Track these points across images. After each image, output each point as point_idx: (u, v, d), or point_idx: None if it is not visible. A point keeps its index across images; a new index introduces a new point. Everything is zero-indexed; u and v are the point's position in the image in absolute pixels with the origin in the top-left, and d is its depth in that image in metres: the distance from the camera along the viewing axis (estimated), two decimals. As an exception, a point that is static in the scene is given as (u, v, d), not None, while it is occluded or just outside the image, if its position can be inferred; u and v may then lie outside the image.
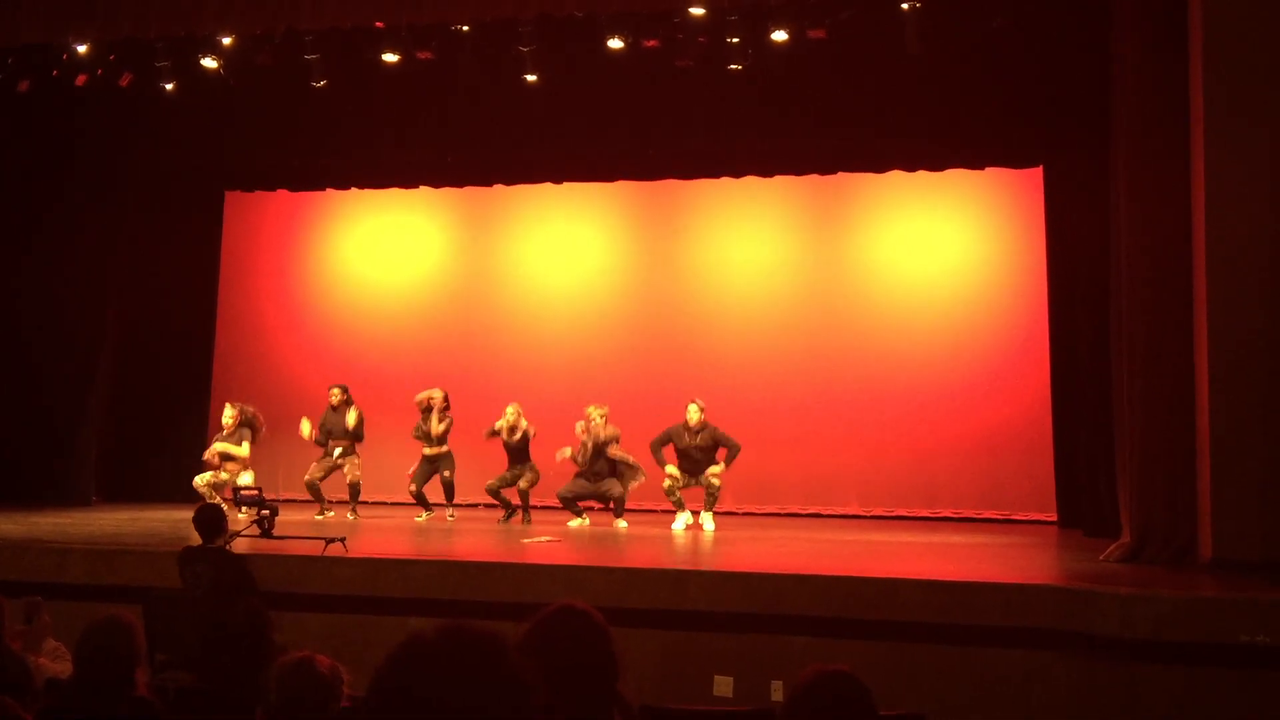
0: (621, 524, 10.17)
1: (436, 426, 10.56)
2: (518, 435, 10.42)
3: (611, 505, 10.27)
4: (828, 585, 6.66)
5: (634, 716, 2.62)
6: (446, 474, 10.59)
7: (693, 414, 10.04)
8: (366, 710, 1.43)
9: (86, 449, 11.95)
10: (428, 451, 10.63)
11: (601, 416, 10.26)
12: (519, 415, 10.46)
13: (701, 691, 6.54)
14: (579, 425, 10.31)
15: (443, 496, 10.69)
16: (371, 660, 1.46)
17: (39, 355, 11.80)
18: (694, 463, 10.10)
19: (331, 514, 10.61)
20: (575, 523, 10.27)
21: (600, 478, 10.26)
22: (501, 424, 10.42)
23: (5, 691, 3.80)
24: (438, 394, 10.65)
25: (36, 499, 11.15)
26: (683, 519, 10.21)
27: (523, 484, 10.42)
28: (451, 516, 10.70)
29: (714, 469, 10.07)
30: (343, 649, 4.16)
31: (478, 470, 10.78)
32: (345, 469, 10.77)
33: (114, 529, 9.26)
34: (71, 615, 5.02)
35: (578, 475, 10.33)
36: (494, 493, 10.52)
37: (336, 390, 10.86)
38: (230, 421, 10.82)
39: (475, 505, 11.42)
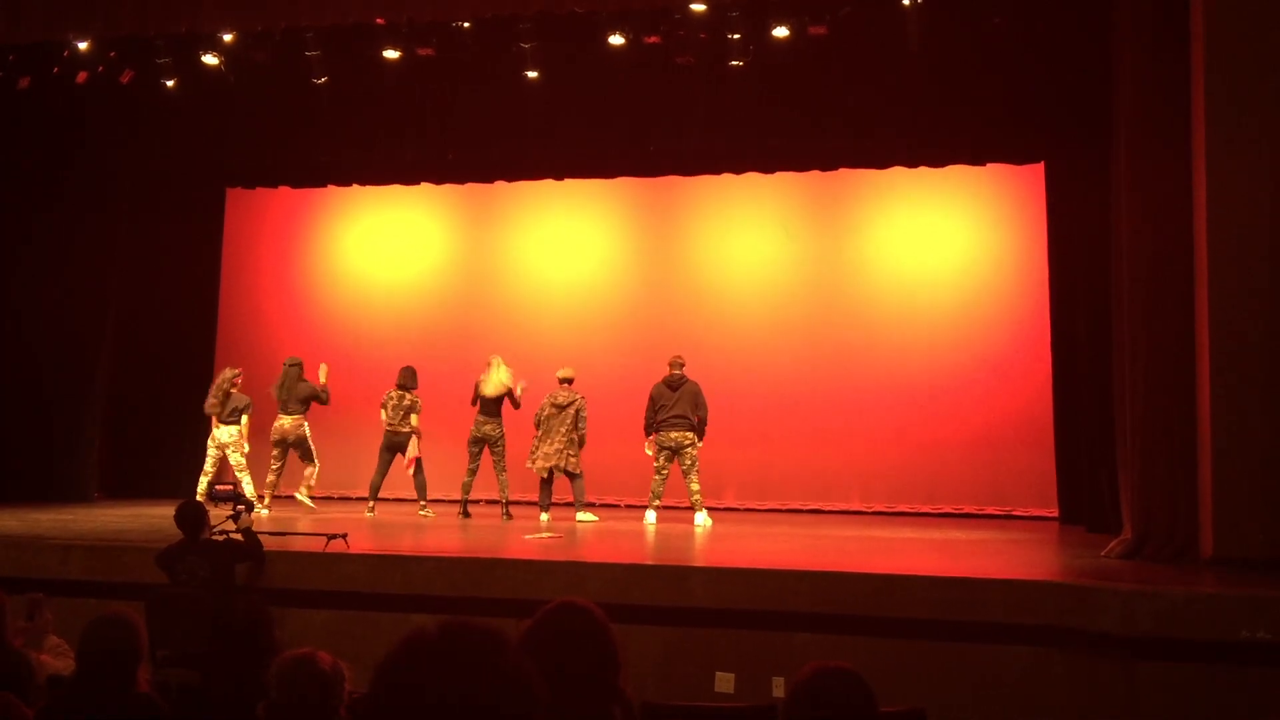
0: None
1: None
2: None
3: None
4: (829, 581, 6.66)
5: (635, 713, 2.62)
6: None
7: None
8: (368, 707, 1.43)
9: (88, 445, 11.95)
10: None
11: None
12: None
13: (703, 688, 6.54)
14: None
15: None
16: (373, 657, 1.47)
17: (40, 352, 11.80)
18: None
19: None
20: (591, 517, 10.29)
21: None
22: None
23: (7, 688, 3.80)
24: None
25: (38, 496, 11.16)
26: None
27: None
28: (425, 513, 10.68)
29: None
30: (344, 645, 4.18)
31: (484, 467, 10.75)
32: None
33: (116, 525, 9.27)
34: (73, 612, 5.04)
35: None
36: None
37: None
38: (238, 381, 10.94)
39: (477, 501, 11.42)
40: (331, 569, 7.35)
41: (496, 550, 8.21)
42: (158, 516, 10.05)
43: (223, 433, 10.78)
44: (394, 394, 10.62)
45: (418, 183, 12.80)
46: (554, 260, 12.88)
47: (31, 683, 4.18)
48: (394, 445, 10.60)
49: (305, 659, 3.32)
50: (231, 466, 10.80)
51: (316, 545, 7.59)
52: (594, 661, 2.53)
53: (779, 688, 6.18)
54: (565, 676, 2.35)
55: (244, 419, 10.85)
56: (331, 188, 13.07)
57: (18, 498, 10.89)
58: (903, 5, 9.32)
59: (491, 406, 10.47)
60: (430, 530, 9.70)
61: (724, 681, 6.57)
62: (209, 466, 10.79)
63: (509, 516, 10.38)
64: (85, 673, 3.70)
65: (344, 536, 7.61)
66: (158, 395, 12.67)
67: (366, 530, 9.33)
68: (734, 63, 9.97)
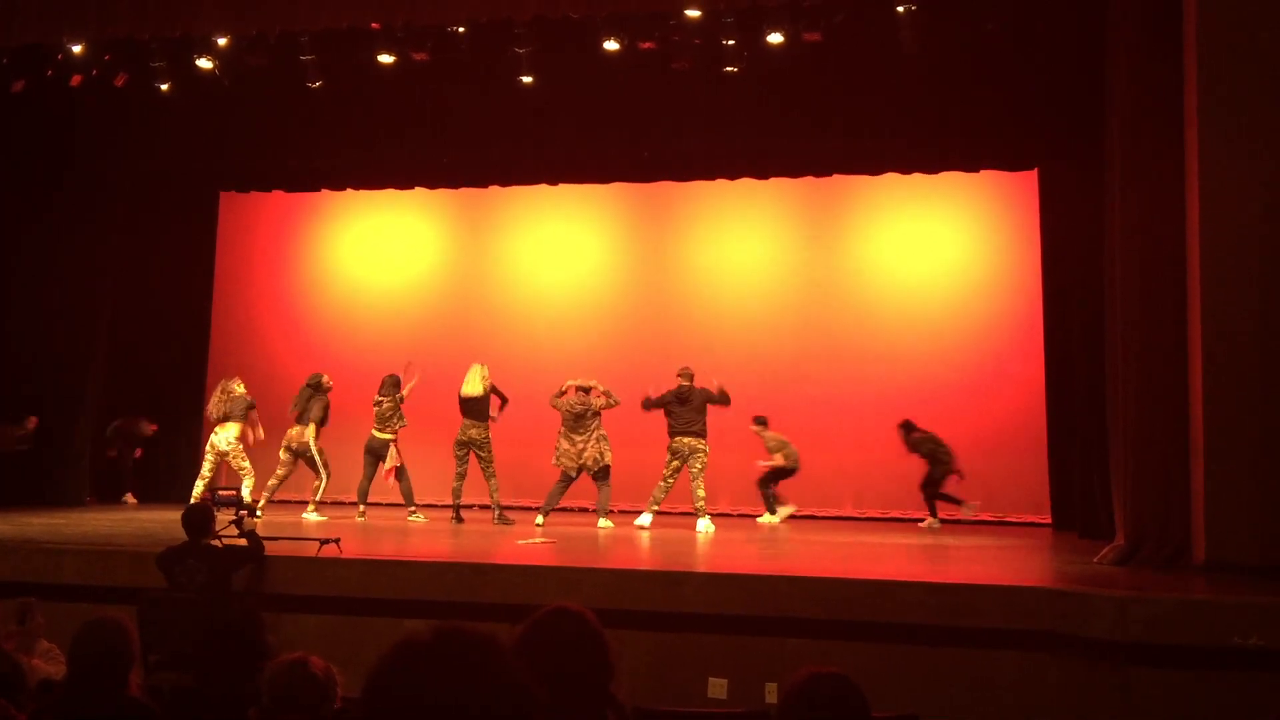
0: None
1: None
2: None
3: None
4: (822, 587, 6.66)
5: (628, 718, 2.62)
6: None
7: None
8: (360, 712, 1.43)
9: (80, 450, 11.92)
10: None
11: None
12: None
13: (696, 693, 6.53)
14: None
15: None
16: (365, 662, 1.46)
17: (33, 355, 11.77)
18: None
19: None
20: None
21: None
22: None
23: (-2, 693, 3.79)
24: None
25: (30, 499, 11.12)
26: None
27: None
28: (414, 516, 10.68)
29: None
30: (336, 650, 4.16)
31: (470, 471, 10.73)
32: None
33: (108, 530, 9.24)
34: (65, 616, 5.01)
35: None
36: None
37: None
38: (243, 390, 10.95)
39: (470, 506, 11.41)
40: (324, 574, 7.33)
41: (489, 555, 8.19)
42: (150, 521, 10.04)
43: (219, 439, 10.78)
44: (379, 399, 10.76)
45: (412, 187, 12.80)
46: (549, 265, 12.88)
47: (22, 687, 4.16)
48: (371, 449, 10.71)
49: (297, 664, 3.31)
50: (234, 470, 10.84)
51: (309, 550, 7.57)
52: (587, 666, 2.52)
53: (772, 693, 6.18)
54: (558, 681, 2.34)
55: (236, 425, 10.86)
56: (325, 191, 13.07)
57: (10, 501, 10.85)
58: (897, 12, 9.33)
59: (471, 409, 10.47)
60: (423, 535, 9.68)
61: (717, 687, 6.56)
62: (206, 471, 10.79)
63: (503, 520, 10.34)
64: (77, 677, 3.69)
65: (337, 541, 7.60)
66: (151, 399, 12.63)
67: (359, 535, 9.32)
68: (729, 69, 9.98)
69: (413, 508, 10.60)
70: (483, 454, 10.42)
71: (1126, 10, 7.98)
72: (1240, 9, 7.42)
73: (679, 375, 10.26)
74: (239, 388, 10.92)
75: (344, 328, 13.09)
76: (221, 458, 10.81)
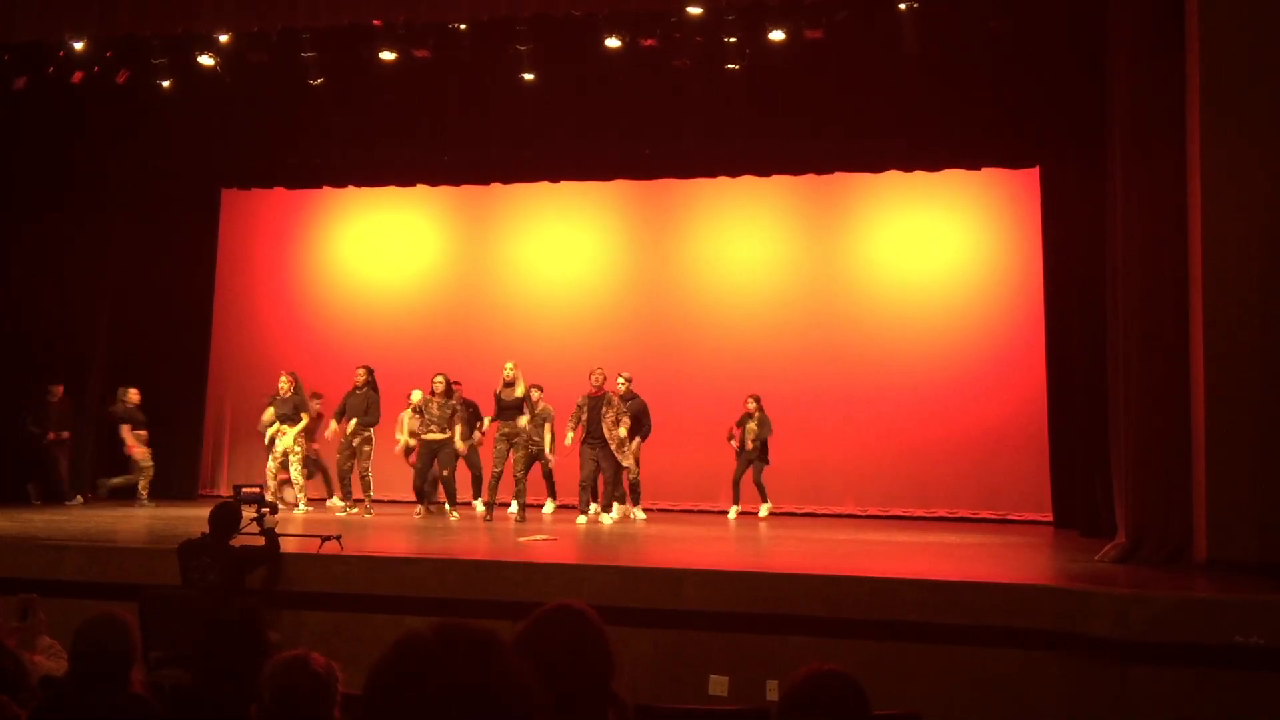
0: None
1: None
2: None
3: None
4: (823, 584, 6.66)
5: (629, 715, 2.62)
6: (446, 472, 10.53)
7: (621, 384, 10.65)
8: (361, 709, 1.43)
9: (82, 446, 11.91)
10: (427, 437, 10.59)
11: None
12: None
13: (697, 691, 6.54)
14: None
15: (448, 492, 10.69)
16: (367, 658, 1.46)
17: (35, 351, 11.77)
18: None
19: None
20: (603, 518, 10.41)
21: None
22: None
23: (0, 689, 3.79)
24: (439, 381, 10.64)
25: (32, 496, 11.12)
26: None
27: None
28: (454, 516, 10.59)
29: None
30: (338, 647, 4.17)
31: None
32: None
33: (109, 526, 9.25)
34: (67, 612, 5.02)
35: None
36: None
37: (362, 371, 10.87)
38: (286, 387, 10.87)
39: (470, 503, 11.42)
40: (326, 570, 7.33)
41: (491, 552, 8.20)
42: (150, 517, 10.05)
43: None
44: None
45: (413, 184, 12.79)
46: (550, 262, 12.88)
47: (24, 684, 4.16)
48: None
49: (298, 660, 3.31)
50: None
51: (311, 546, 7.58)
52: (588, 664, 2.52)
53: (773, 691, 6.18)
54: (560, 679, 2.34)
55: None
56: (327, 189, 13.06)
57: (10, 498, 10.86)
58: (899, 10, 9.33)
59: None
60: (425, 532, 9.68)
61: (718, 684, 6.57)
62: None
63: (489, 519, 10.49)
64: (78, 674, 3.69)
65: (338, 538, 7.60)
66: (152, 396, 12.61)
67: (360, 532, 9.32)
68: (730, 66, 9.98)
69: (448, 505, 10.62)
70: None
71: (1127, 10, 7.97)
72: (1241, 9, 7.42)
73: (629, 381, 10.64)
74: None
75: (345, 325, 13.09)
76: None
